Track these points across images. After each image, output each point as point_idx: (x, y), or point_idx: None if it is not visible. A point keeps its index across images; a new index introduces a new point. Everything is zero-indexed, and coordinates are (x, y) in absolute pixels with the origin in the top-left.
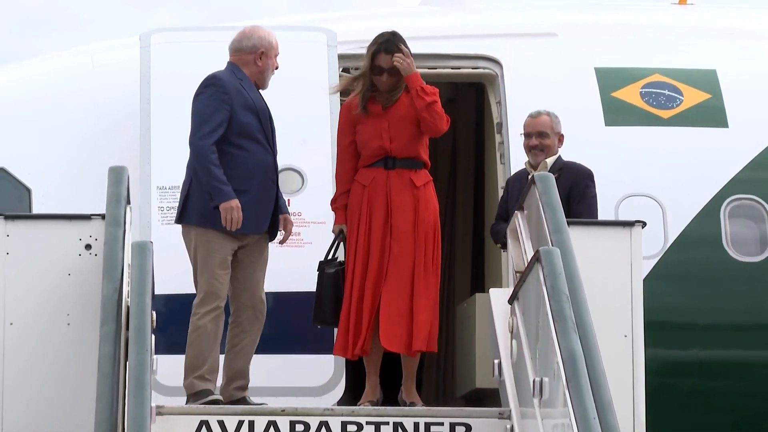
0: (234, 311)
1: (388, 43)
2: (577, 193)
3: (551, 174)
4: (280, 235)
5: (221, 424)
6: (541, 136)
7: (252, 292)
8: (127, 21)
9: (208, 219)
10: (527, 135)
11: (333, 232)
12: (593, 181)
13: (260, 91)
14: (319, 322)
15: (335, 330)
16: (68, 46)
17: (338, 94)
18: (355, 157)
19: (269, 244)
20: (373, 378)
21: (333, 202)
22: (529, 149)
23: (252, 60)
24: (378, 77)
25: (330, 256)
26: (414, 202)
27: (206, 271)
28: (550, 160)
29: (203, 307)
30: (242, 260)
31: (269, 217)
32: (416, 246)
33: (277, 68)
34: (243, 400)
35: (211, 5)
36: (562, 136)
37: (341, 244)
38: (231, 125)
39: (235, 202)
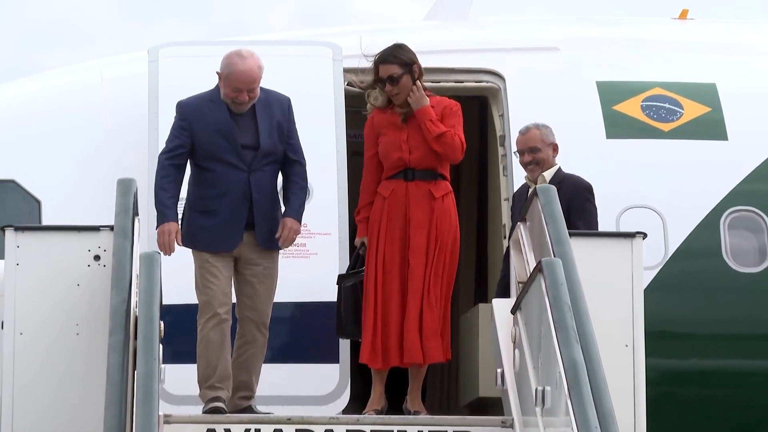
0: (238, 324)
1: (386, 55)
2: (577, 206)
3: (553, 186)
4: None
5: None
6: (533, 151)
7: (254, 306)
8: (129, 35)
9: (189, 239)
10: (520, 152)
11: (355, 244)
12: (593, 195)
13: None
14: (341, 335)
15: (340, 340)
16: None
17: (344, 106)
18: (378, 169)
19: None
20: (379, 387)
21: (356, 214)
22: (524, 166)
23: (221, 82)
24: (383, 88)
25: (352, 269)
26: (431, 214)
27: (198, 285)
28: (548, 174)
29: (202, 317)
30: (243, 273)
31: (240, 236)
32: (428, 259)
33: (237, 101)
34: (248, 409)
35: (212, 20)
36: (556, 146)
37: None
38: (195, 149)
39: (170, 226)
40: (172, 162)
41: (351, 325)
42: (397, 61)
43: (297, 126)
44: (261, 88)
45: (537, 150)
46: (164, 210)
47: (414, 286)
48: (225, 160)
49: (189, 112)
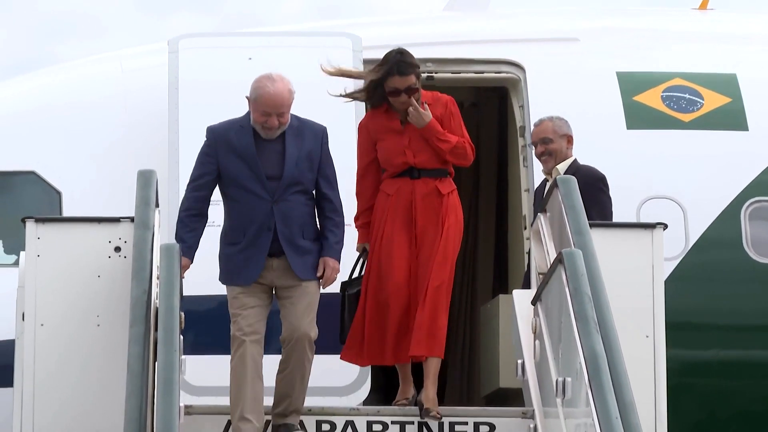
0: (281, 342)
1: (401, 65)
2: (590, 197)
3: (573, 177)
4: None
5: None
6: (545, 142)
7: (291, 326)
8: (143, 27)
9: (221, 273)
10: (533, 144)
11: (357, 250)
12: (606, 185)
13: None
14: (344, 342)
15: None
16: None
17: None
18: (376, 174)
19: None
20: (409, 377)
21: (356, 219)
22: (538, 158)
23: (251, 106)
24: (395, 98)
25: (353, 276)
26: (438, 209)
27: (231, 316)
28: (562, 166)
29: (232, 349)
30: (281, 299)
31: (260, 268)
32: (435, 252)
33: (267, 126)
34: (283, 427)
35: (224, 11)
36: (571, 137)
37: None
38: (222, 176)
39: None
40: (195, 193)
41: None
42: (413, 70)
43: (316, 116)
44: (296, 117)
45: (549, 141)
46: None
47: (420, 284)
48: (248, 189)
49: (216, 137)
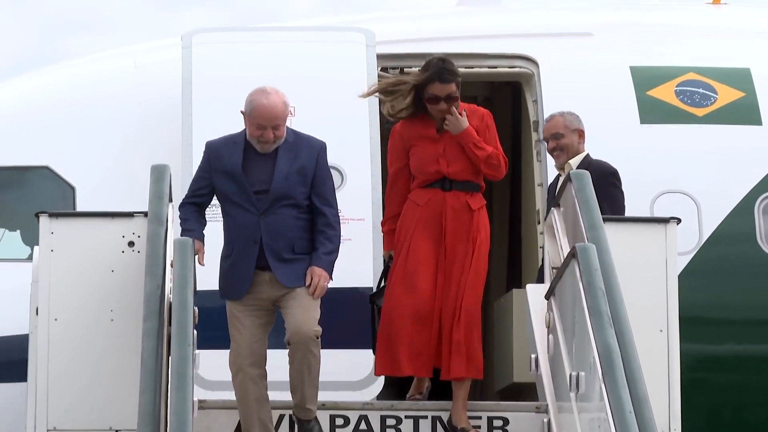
0: (286, 344)
1: (443, 72)
2: (602, 191)
3: (587, 171)
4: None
5: None
6: (556, 137)
7: (292, 328)
8: (154, 22)
9: (220, 291)
10: (545, 140)
11: (384, 257)
12: (618, 179)
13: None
14: None
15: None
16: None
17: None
18: (407, 181)
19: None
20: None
21: (383, 225)
22: (550, 153)
23: (246, 121)
24: (434, 106)
25: (380, 286)
26: (469, 225)
27: (231, 337)
28: (574, 161)
29: (231, 373)
30: (280, 306)
31: (248, 281)
32: (467, 270)
33: (262, 140)
34: (303, 423)
35: (236, 7)
36: (582, 132)
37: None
38: (216, 191)
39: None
40: (190, 201)
41: None
42: (454, 79)
43: (331, 111)
44: (293, 131)
45: (560, 136)
46: (185, 233)
47: (451, 301)
48: (237, 203)
49: (210, 154)
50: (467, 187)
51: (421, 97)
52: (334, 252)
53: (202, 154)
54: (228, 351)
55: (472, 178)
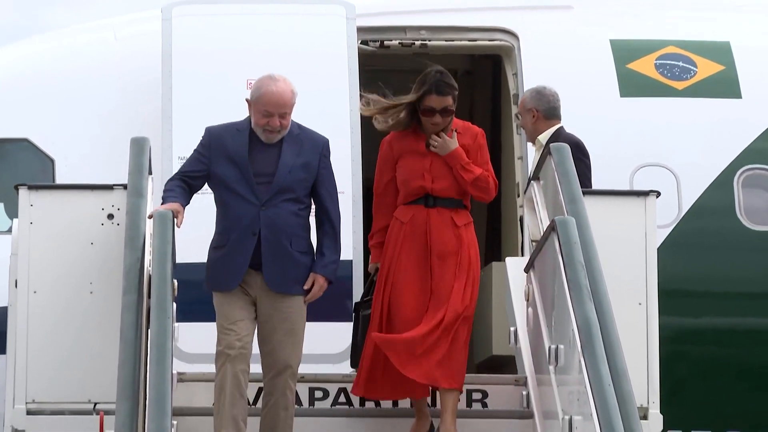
0: (262, 368)
1: (440, 84)
2: None
3: (567, 145)
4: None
5: None
6: (518, 117)
7: (270, 356)
8: None
9: (208, 282)
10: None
11: (369, 270)
12: (583, 152)
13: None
14: (356, 365)
15: (354, 300)
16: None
17: (357, 65)
18: (394, 193)
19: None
20: (423, 411)
21: (370, 238)
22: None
23: (251, 109)
24: (429, 118)
25: (366, 295)
26: (459, 242)
27: (218, 330)
28: (543, 136)
29: (216, 366)
30: (259, 318)
31: (241, 274)
32: (455, 289)
33: (268, 128)
34: None
35: None
36: (537, 110)
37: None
38: (212, 179)
39: (172, 206)
40: (179, 178)
41: None
42: (451, 92)
43: (310, 84)
44: (297, 125)
45: (519, 116)
46: (166, 200)
47: (433, 316)
48: (237, 192)
49: (211, 139)
50: (451, 204)
51: (417, 109)
52: (338, 260)
53: (201, 138)
54: (206, 324)
55: (456, 196)
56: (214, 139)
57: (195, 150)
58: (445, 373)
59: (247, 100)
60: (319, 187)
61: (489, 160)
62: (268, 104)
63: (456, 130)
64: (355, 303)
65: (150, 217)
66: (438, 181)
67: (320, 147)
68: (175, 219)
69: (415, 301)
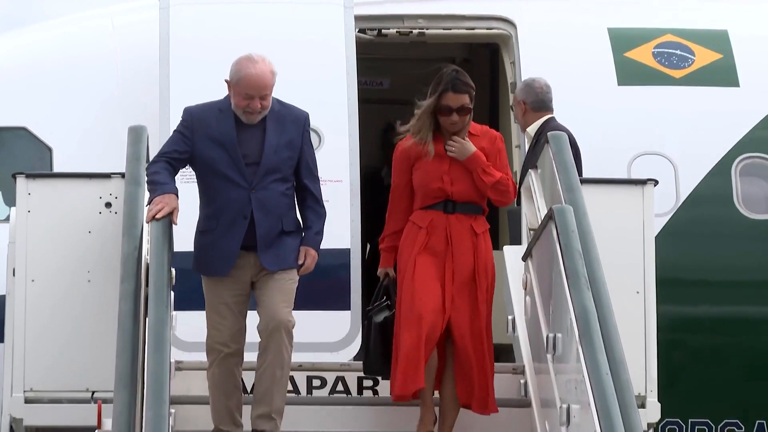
0: (258, 333)
1: (456, 82)
2: None
3: (564, 133)
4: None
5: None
6: (512, 109)
7: (267, 315)
8: None
9: (194, 262)
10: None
11: (378, 275)
12: (571, 142)
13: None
14: (368, 372)
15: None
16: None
17: (355, 54)
18: (410, 197)
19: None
20: (424, 408)
21: (381, 241)
22: None
23: (231, 91)
24: (446, 117)
25: (375, 301)
26: (476, 251)
27: (208, 321)
28: (532, 128)
29: (208, 360)
30: (256, 288)
31: (234, 257)
32: (473, 297)
33: (249, 110)
34: None
35: None
36: (525, 102)
37: (388, 288)
38: (196, 161)
39: (167, 198)
40: (165, 160)
41: (378, 363)
42: (467, 90)
43: (308, 72)
44: (279, 101)
45: (513, 108)
46: (158, 185)
47: (461, 324)
48: (225, 175)
49: (193, 120)
50: (471, 209)
51: (435, 112)
52: (322, 230)
53: (180, 119)
54: (204, 313)
55: (476, 200)
56: (197, 120)
57: (176, 131)
58: (480, 399)
59: (226, 80)
60: (301, 163)
61: (507, 163)
62: (248, 87)
63: (472, 134)
64: (367, 309)
65: (150, 220)
66: (457, 183)
67: (302, 122)
68: (172, 215)
69: (439, 303)
